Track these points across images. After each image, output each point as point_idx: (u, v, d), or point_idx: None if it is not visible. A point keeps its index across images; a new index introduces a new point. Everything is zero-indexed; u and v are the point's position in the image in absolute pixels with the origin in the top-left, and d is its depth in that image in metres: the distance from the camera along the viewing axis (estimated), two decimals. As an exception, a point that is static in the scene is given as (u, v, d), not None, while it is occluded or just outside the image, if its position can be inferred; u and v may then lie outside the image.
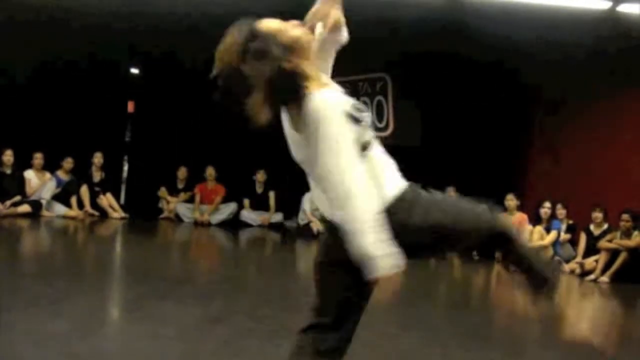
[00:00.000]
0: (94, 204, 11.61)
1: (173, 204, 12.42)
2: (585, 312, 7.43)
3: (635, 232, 9.34)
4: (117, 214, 11.72)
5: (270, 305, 5.52)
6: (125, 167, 13.71)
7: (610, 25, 9.24)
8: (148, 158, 12.81)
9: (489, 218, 2.75)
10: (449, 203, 2.84)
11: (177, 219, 12.29)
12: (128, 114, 13.55)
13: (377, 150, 2.58)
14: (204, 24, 9.88)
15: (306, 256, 10.45)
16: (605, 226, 9.79)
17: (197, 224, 12.06)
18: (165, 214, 12.38)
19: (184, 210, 12.43)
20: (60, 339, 4.03)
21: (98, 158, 11.88)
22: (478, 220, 2.74)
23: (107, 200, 11.79)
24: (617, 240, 9.32)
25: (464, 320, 5.70)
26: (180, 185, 12.71)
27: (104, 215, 11.59)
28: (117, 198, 12.41)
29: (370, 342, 4.52)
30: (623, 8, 8.84)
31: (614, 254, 9.19)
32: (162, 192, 12.57)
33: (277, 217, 12.72)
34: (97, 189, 11.75)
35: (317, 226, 11.65)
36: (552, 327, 6.26)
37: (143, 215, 11.91)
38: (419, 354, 4.12)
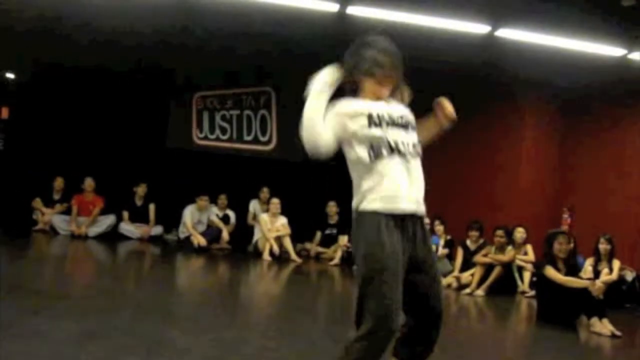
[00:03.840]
0: (-40, 215, 11.06)
1: (48, 216, 12.01)
2: (459, 322, 7.65)
3: (509, 248, 9.76)
4: (-14, 225, 11.20)
5: (148, 320, 5.41)
6: (-3, 176, 13.14)
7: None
8: (23, 167, 12.36)
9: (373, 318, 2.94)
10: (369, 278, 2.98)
11: (53, 231, 11.89)
12: (1, 120, 13.04)
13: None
14: (83, 32, 9.66)
15: (186, 270, 10.32)
16: (481, 241, 10.17)
17: (73, 236, 11.69)
18: (39, 226, 11.95)
19: (60, 222, 12.03)
20: None
21: (-34, 166, 11.38)
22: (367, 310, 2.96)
23: (-24, 210, 11.27)
24: (491, 255, 9.67)
25: (343, 335, 5.76)
26: (56, 196, 12.31)
27: (-28, 227, 11.05)
28: (-13, 209, 11.84)
29: (250, 356, 4.52)
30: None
31: (488, 268, 9.54)
32: (37, 202, 12.14)
33: (157, 230, 12.52)
34: (-36, 198, 11.23)
35: (197, 239, 11.53)
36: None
37: (16, 227, 11.44)
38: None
